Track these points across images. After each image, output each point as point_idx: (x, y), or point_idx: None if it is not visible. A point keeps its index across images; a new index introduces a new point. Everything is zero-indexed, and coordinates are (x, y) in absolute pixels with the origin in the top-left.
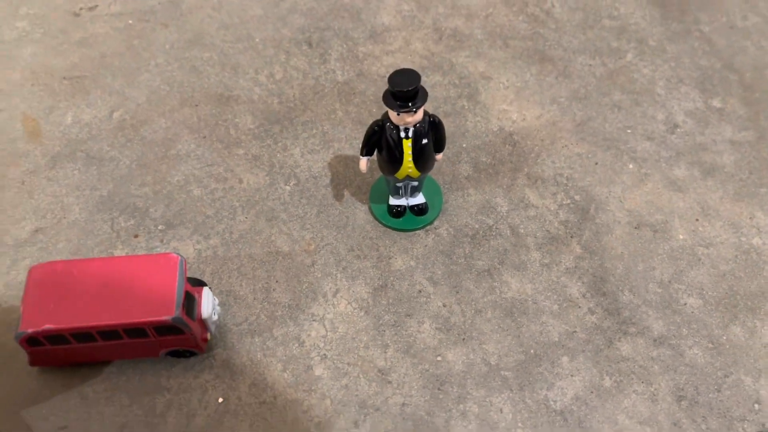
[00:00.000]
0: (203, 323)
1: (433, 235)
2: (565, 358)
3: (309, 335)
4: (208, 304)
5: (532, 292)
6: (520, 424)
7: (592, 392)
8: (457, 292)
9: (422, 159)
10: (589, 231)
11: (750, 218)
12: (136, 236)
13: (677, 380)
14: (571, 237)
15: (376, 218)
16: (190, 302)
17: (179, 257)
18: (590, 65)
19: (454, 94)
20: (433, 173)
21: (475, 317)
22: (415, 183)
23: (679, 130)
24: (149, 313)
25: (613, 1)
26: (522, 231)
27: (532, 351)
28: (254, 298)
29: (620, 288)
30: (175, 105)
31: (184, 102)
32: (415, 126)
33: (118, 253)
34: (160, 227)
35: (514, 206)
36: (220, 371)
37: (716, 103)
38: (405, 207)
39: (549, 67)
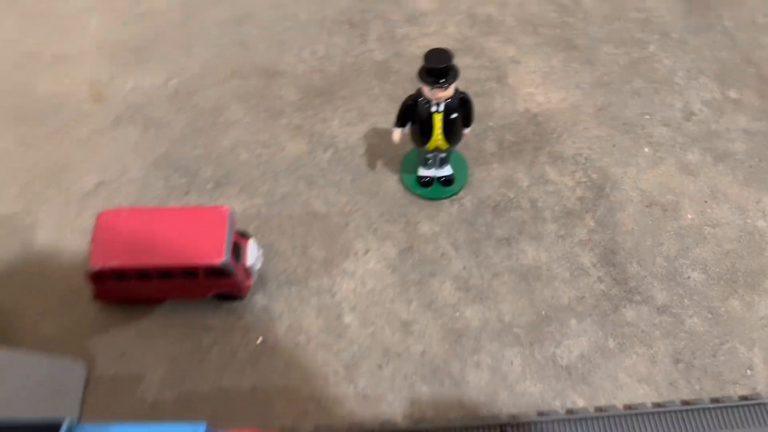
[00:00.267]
0: (247, 271)
1: (458, 205)
2: (573, 321)
3: (341, 288)
4: (252, 253)
5: (546, 260)
6: (528, 376)
7: (596, 352)
8: (477, 257)
9: (451, 132)
10: (603, 207)
11: (756, 202)
12: (187, 193)
13: (676, 345)
14: (586, 212)
15: (406, 187)
16: (237, 250)
17: (229, 209)
18: (614, 54)
19: (484, 76)
20: (460, 148)
21: (492, 280)
22: (443, 155)
23: (695, 117)
24: (201, 257)
25: None
26: (540, 204)
27: (543, 312)
28: (292, 253)
29: (629, 260)
30: (226, 76)
31: (233, 74)
32: (445, 101)
33: None
34: (209, 186)
35: (534, 181)
36: (259, 315)
37: (733, 94)
38: (433, 178)
39: (575, 54)
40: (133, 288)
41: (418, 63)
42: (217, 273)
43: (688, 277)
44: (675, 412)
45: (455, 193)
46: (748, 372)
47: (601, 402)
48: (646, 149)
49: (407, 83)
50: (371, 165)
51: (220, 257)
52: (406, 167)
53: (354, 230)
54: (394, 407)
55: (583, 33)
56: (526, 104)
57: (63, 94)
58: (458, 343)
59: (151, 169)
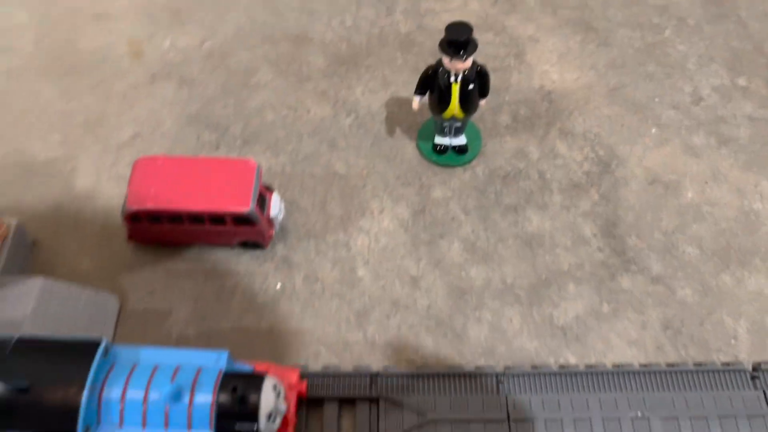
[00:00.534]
0: (270, 221)
1: (470, 173)
2: (571, 285)
3: (355, 243)
4: (276, 206)
5: (550, 229)
6: (525, 333)
7: (591, 315)
8: (485, 222)
9: (467, 102)
10: (608, 182)
11: (755, 186)
12: (217, 148)
13: (666, 313)
14: (591, 186)
15: (421, 154)
16: (262, 201)
17: (257, 163)
18: (630, 37)
19: (502, 53)
20: (475, 120)
21: (498, 244)
22: (459, 124)
23: (703, 102)
24: (230, 205)
25: None
26: (548, 176)
27: (543, 276)
28: (312, 209)
29: (628, 233)
30: (258, 41)
31: (265, 39)
32: (464, 72)
33: None
34: (238, 143)
35: (544, 155)
36: (279, 264)
37: (742, 81)
38: (448, 146)
39: (592, 35)
40: (165, 230)
41: (440, 37)
42: (243, 221)
43: (684, 252)
44: (660, 372)
45: (468, 162)
46: (733, 341)
47: (592, 360)
48: (654, 130)
49: (429, 56)
50: (390, 131)
51: (247, 206)
52: (423, 135)
53: (371, 191)
54: (398, 354)
55: (601, 16)
56: (541, 81)
57: (104, 50)
58: (462, 300)
59: (183, 125)
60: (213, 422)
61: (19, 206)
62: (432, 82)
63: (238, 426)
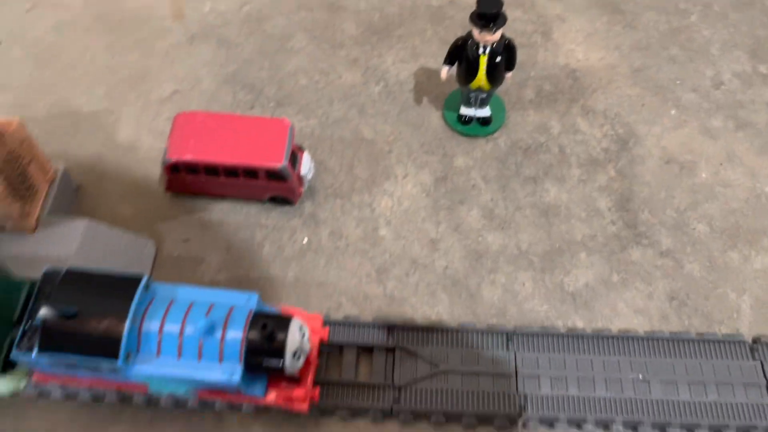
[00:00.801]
0: (300, 179)
1: (492, 144)
2: (583, 254)
3: (379, 204)
4: (306, 165)
5: (566, 200)
6: (536, 297)
7: (600, 283)
8: (504, 191)
9: (494, 73)
10: (625, 159)
11: None
12: (252, 108)
13: (673, 285)
14: (609, 161)
15: (446, 123)
16: (294, 159)
17: (290, 123)
18: (656, 21)
19: (530, 30)
20: (500, 93)
21: (515, 212)
22: (484, 95)
23: (723, 87)
24: (264, 160)
25: None
26: (568, 151)
27: (557, 245)
28: (340, 171)
29: (641, 208)
30: (294, 8)
31: (301, 6)
32: (492, 45)
33: None
34: (271, 104)
35: (565, 130)
36: (307, 220)
37: (763, 69)
38: (472, 117)
39: (618, 17)
40: (201, 182)
41: (470, 11)
42: (276, 176)
43: (694, 229)
44: (662, 339)
45: (491, 133)
46: (735, 315)
47: (599, 325)
48: (673, 111)
49: (458, 29)
50: (417, 100)
51: (280, 162)
52: (448, 105)
53: (396, 157)
54: (415, 309)
55: None
56: (566, 59)
57: (148, 9)
58: (478, 263)
59: (221, 84)
60: (242, 356)
61: (65, 153)
62: (461, 53)
63: (266, 361)
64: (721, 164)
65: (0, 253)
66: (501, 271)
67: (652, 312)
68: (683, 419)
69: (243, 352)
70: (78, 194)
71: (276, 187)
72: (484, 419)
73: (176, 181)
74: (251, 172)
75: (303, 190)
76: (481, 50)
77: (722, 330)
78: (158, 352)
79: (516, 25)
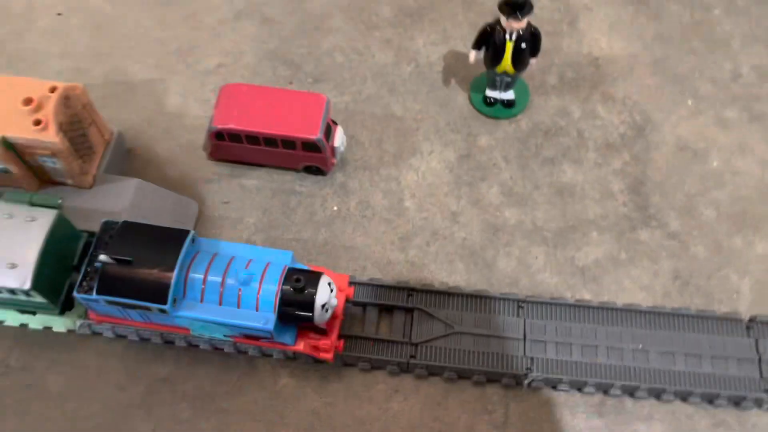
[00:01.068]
0: (333, 150)
1: (515, 126)
2: (594, 233)
3: (405, 178)
4: (339, 138)
5: (581, 181)
6: (548, 270)
7: (609, 260)
8: (523, 170)
9: (519, 59)
10: (640, 145)
11: None
12: (290, 83)
13: (677, 265)
14: (624, 146)
15: (472, 104)
16: (328, 132)
17: (326, 97)
18: (680, 13)
19: (557, 18)
20: (525, 77)
21: (533, 191)
22: (509, 79)
23: (741, 80)
24: (301, 131)
25: None
26: (586, 135)
27: (570, 223)
28: (369, 145)
29: (653, 192)
30: None
31: None
32: (518, 32)
33: None
34: (309, 80)
35: (584, 115)
36: (337, 189)
37: None
38: (497, 99)
39: (643, 8)
40: (243, 150)
41: None
42: (311, 147)
43: (702, 213)
44: (664, 314)
45: (514, 115)
46: (735, 296)
47: (605, 298)
48: (690, 101)
49: (488, 15)
50: (445, 81)
51: (316, 134)
52: (475, 87)
53: (423, 134)
54: (434, 275)
55: None
56: (590, 48)
57: None
58: (495, 236)
59: (262, 59)
60: (276, 307)
61: (119, 117)
62: (488, 39)
63: (297, 312)
64: (733, 153)
65: (63, 205)
66: (516, 245)
67: (656, 289)
68: (678, 387)
69: (277, 302)
70: (129, 156)
71: (311, 157)
72: (493, 378)
73: (220, 148)
74: (289, 143)
75: (335, 161)
76: (507, 37)
77: (721, 309)
78: (202, 299)
79: (543, 13)
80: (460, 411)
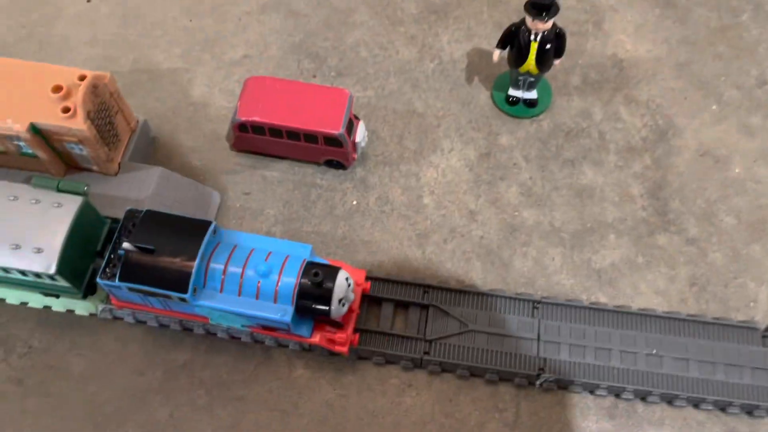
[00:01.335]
0: (354, 145)
1: (536, 125)
2: (612, 236)
3: (425, 175)
4: (361, 133)
5: (601, 184)
6: (564, 271)
7: (626, 263)
8: (543, 171)
9: (543, 59)
10: (662, 149)
11: None
12: (314, 76)
13: (695, 271)
14: (646, 150)
15: (494, 103)
16: (350, 127)
17: (349, 92)
18: (707, 17)
19: (582, 18)
20: (549, 77)
21: (551, 192)
22: (532, 79)
23: (766, 86)
24: (324, 126)
25: None
26: (608, 137)
27: (588, 225)
28: (390, 140)
29: (673, 197)
30: None
31: None
32: (543, 33)
33: None
34: (332, 74)
35: (607, 117)
36: (357, 184)
37: None
38: (520, 98)
39: (670, 11)
40: (265, 142)
41: None
42: (333, 142)
43: (722, 220)
44: (679, 320)
45: (536, 115)
46: (752, 304)
47: (620, 302)
48: (714, 107)
49: (513, 14)
50: (468, 79)
51: (338, 129)
52: (498, 86)
53: (444, 131)
54: (450, 273)
55: None
56: (615, 49)
57: None
58: (512, 236)
59: (287, 52)
60: (294, 299)
61: (144, 106)
62: (513, 38)
63: (314, 305)
64: (755, 160)
65: (89, 192)
66: (533, 245)
67: (672, 294)
68: (690, 393)
69: (295, 295)
70: (154, 144)
71: (332, 151)
72: (505, 377)
73: (243, 139)
74: (311, 137)
75: (356, 156)
76: (532, 37)
77: (738, 317)
78: (221, 289)
79: (568, 13)
80: (471, 408)
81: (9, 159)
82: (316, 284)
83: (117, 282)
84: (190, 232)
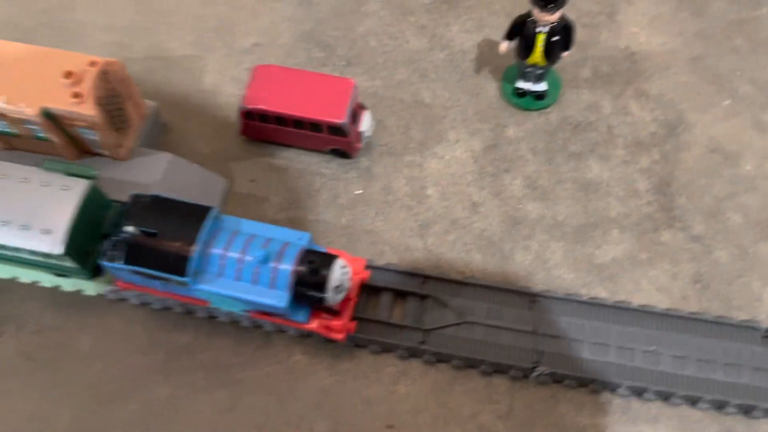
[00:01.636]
0: (359, 135)
1: (544, 118)
2: (615, 231)
3: (429, 165)
4: (366, 122)
5: (607, 178)
6: (565, 266)
7: (628, 259)
8: (549, 164)
9: (550, 52)
10: (671, 144)
11: None
12: (323, 65)
13: (698, 269)
14: (654, 145)
15: (502, 94)
16: (355, 117)
17: (354, 83)
18: (725, 10)
19: (596, 10)
20: (558, 70)
21: (556, 185)
22: (540, 71)
23: None
24: (328, 115)
25: None
26: (616, 132)
27: (592, 219)
28: (396, 130)
29: (679, 193)
30: None
31: None
32: (551, 24)
33: None
34: (342, 63)
35: (616, 111)
36: (362, 173)
37: None
38: (528, 91)
39: (687, 3)
40: (271, 130)
41: None
42: (337, 131)
43: (728, 218)
44: (680, 318)
45: (544, 108)
46: (756, 303)
47: (621, 298)
48: (727, 102)
49: (525, 4)
50: (477, 70)
51: (342, 118)
52: (506, 77)
53: (450, 122)
54: (450, 263)
55: None
56: (627, 42)
57: None
58: (514, 229)
59: (298, 40)
60: (291, 286)
61: (156, 92)
62: (520, 30)
63: (310, 292)
64: (767, 158)
65: (99, 175)
66: (535, 239)
67: (674, 291)
68: (687, 391)
69: (291, 282)
70: (165, 130)
71: (336, 140)
72: (500, 369)
73: (249, 127)
74: (315, 125)
75: (361, 145)
76: (539, 29)
77: (740, 316)
78: (220, 273)
79: (582, 4)
80: (465, 398)
81: (24, 142)
82: (312, 272)
83: (119, 264)
84: (192, 217)
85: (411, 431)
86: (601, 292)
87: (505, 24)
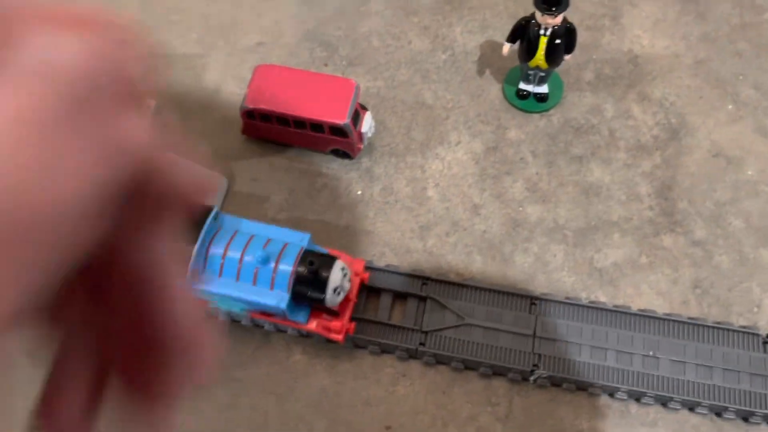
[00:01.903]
0: (360, 136)
1: (546, 120)
2: (616, 235)
3: (430, 167)
4: (367, 123)
5: (608, 182)
6: (565, 269)
7: (628, 263)
8: (550, 167)
9: (552, 55)
10: (673, 148)
11: None
12: (325, 65)
13: (699, 274)
14: (656, 149)
15: (504, 97)
16: (356, 117)
17: (356, 83)
18: (729, 14)
19: (599, 12)
20: (560, 72)
21: (557, 188)
22: (543, 74)
23: None
24: (330, 115)
25: None
26: (618, 135)
27: (593, 223)
28: (398, 131)
29: (681, 197)
30: None
31: None
32: (553, 27)
33: None
34: (344, 63)
35: (618, 114)
36: (362, 174)
37: None
38: (530, 93)
39: (690, 7)
40: (273, 130)
41: None
42: (338, 131)
43: (730, 223)
44: (679, 322)
45: (546, 110)
46: (755, 309)
47: (620, 302)
48: (730, 106)
49: (529, 5)
50: (480, 72)
51: (343, 119)
52: (509, 79)
53: (452, 124)
54: (450, 265)
55: None
56: (631, 45)
57: None
58: (515, 231)
59: (301, 40)
60: (290, 287)
61: (159, 90)
62: (523, 32)
63: (309, 293)
64: None
65: None
66: (535, 241)
67: (674, 296)
68: (685, 396)
69: (291, 282)
70: (165, 128)
71: (337, 141)
72: (499, 371)
73: (251, 127)
74: (317, 126)
75: (362, 146)
76: (542, 31)
77: (740, 321)
78: (220, 273)
79: (586, 6)
80: (464, 400)
81: None
82: (311, 272)
83: None
84: (192, 216)
85: None
86: (601, 296)
87: (508, 26)
